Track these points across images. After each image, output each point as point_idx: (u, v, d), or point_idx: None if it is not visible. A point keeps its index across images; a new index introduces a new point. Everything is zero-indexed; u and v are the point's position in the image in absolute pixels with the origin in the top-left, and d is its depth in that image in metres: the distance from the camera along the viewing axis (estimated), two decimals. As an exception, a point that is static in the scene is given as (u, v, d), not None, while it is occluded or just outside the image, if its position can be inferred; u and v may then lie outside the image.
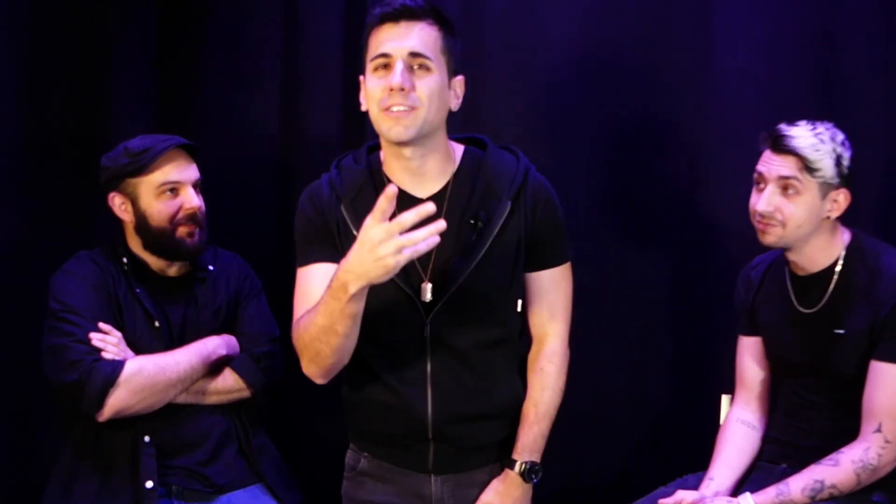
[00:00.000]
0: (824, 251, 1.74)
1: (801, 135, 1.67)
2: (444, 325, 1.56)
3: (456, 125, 1.68)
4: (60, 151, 2.26)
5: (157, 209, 1.86)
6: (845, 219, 1.77)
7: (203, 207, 1.91)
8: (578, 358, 1.92)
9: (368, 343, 1.55)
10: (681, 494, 1.73)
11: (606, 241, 2.20)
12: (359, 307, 1.43)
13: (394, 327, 1.57)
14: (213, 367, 1.87)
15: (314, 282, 1.56)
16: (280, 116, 2.34)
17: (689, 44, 2.20)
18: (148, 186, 1.85)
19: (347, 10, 2.29)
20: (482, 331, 1.60)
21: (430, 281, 1.54)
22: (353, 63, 2.23)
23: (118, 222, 1.92)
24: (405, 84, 1.48)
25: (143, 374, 1.77)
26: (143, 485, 1.76)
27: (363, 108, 1.57)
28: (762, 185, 1.71)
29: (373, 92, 1.52)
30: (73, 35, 2.26)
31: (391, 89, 1.49)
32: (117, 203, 1.88)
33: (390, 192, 1.35)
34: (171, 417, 1.83)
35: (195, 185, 1.90)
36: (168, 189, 1.86)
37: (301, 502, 1.94)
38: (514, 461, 1.63)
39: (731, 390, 1.95)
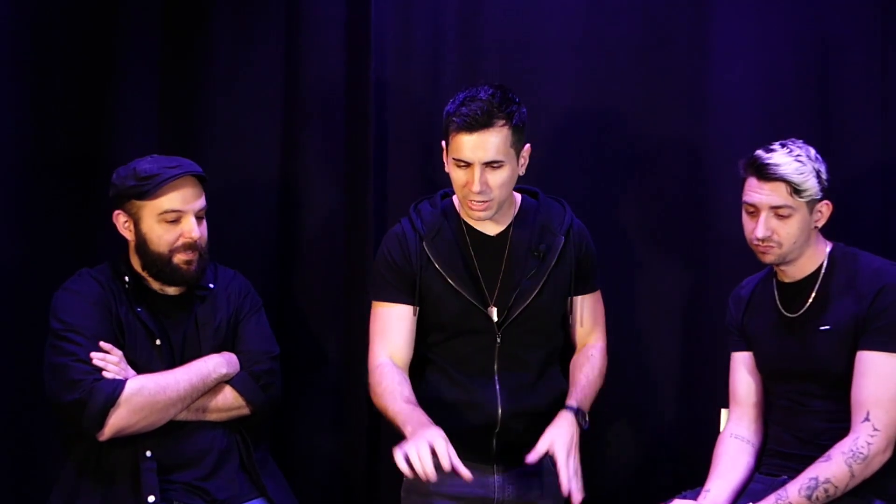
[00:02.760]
0: (811, 258, 1.83)
1: (783, 161, 1.76)
2: (511, 337, 1.89)
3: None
4: (63, 169, 2.27)
5: (157, 234, 1.87)
6: (840, 226, 1.83)
7: (205, 236, 1.92)
8: None
9: (448, 351, 1.91)
10: (677, 503, 1.75)
11: (606, 256, 2.19)
12: None
13: (469, 339, 1.90)
14: (214, 385, 1.89)
15: (391, 320, 1.92)
16: (282, 131, 2.35)
17: (687, 53, 2.21)
18: (151, 211, 1.86)
19: (350, 18, 2.30)
20: (541, 342, 1.93)
21: (494, 305, 1.89)
22: (356, 70, 2.28)
23: (123, 240, 1.94)
24: (483, 188, 1.81)
25: (144, 394, 1.79)
26: (146, 499, 1.77)
27: (447, 170, 1.88)
28: (754, 212, 1.79)
29: (456, 181, 1.86)
30: (76, 51, 2.28)
31: (471, 190, 1.82)
32: (121, 221, 1.91)
33: (466, 476, 1.68)
34: (172, 433, 1.85)
35: (199, 214, 1.91)
36: (170, 217, 1.87)
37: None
38: (568, 406, 1.84)
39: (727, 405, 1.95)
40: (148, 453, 1.81)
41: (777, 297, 1.86)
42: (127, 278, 1.91)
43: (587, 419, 1.86)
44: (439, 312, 1.89)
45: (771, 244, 1.77)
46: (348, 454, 2.28)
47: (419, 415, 1.75)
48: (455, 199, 1.94)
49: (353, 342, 2.19)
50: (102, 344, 1.81)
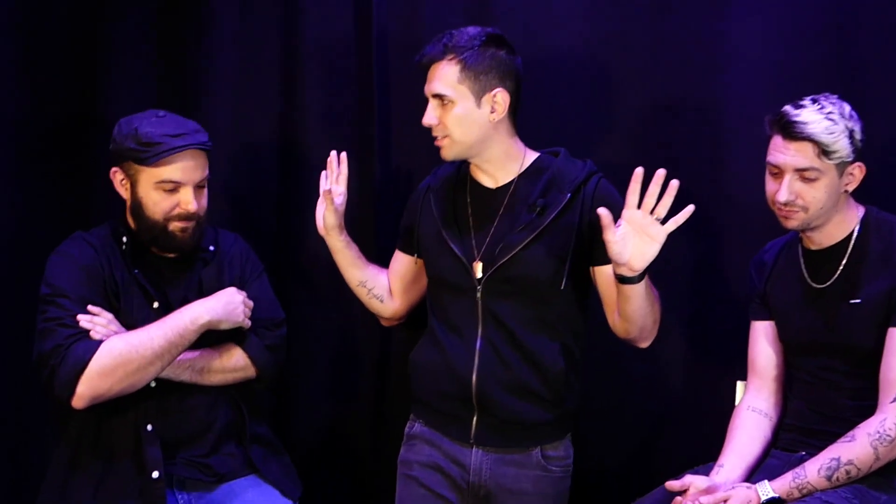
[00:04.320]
0: (841, 224, 1.71)
1: (813, 119, 1.62)
2: (493, 297, 1.75)
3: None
4: (59, 132, 2.22)
5: (154, 201, 1.79)
6: (864, 196, 1.72)
7: (204, 205, 1.84)
8: (591, 345, 1.90)
9: (437, 310, 1.83)
10: (690, 479, 1.67)
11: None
12: (338, 258, 1.96)
13: (454, 296, 1.79)
14: (204, 340, 1.79)
15: (394, 265, 1.98)
16: (282, 92, 2.28)
17: (703, 7, 2.09)
18: (148, 177, 1.78)
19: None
20: (530, 308, 1.75)
21: (480, 260, 1.77)
22: (361, 32, 2.20)
23: (121, 199, 1.86)
24: (433, 122, 1.78)
25: (114, 355, 1.68)
26: (150, 475, 1.71)
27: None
28: (777, 173, 1.67)
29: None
30: (70, 9, 2.22)
31: (424, 124, 1.79)
32: (118, 179, 1.83)
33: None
34: (172, 407, 1.78)
35: (200, 184, 1.82)
36: (168, 187, 1.78)
37: (301, 491, 1.89)
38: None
39: (746, 377, 1.87)
40: (149, 427, 1.74)
41: (803, 266, 1.74)
42: (125, 238, 1.83)
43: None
44: (429, 264, 1.86)
45: (794, 209, 1.66)
46: (349, 425, 2.22)
47: None
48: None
49: (355, 309, 2.11)
50: (90, 307, 1.74)
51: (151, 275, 1.84)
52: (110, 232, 1.85)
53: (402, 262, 1.94)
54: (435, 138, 1.79)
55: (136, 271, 1.81)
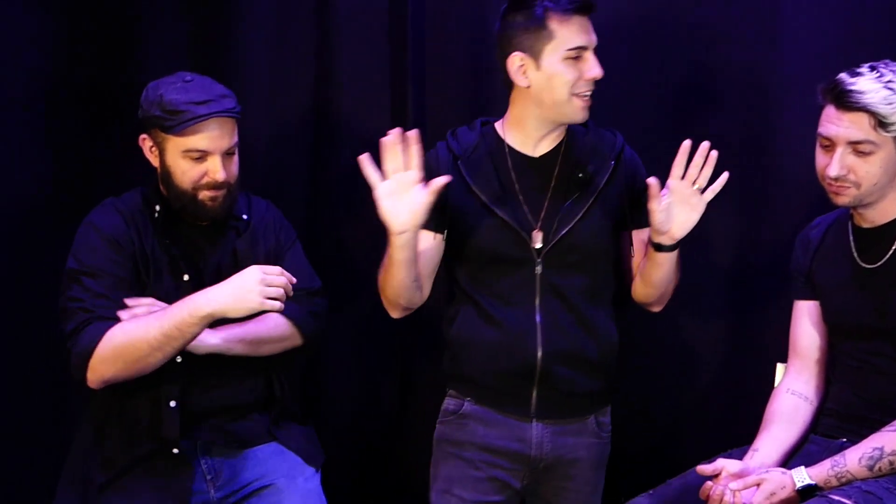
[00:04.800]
0: (895, 202, 1.61)
1: (870, 88, 1.52)
2: (553, 268, 1.71)
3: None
4: (90, 99, 2.20)
5: (182, 170, 1.74)
6: None
7: (234, 173, 1.78)
8: (626, 325, 1.84)
9: (481, 285, 1.74)
10: (722, 463, 1.61)
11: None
12: (405, 255, 1.64)
13: (506, 269, 1.72)
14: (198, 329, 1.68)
15: (419, 248, 1.73)
16: (315, 60, 2.23)
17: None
18: (175, 146, 1.73)
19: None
20: (586, 277, 1.74)
21: (540, 230, 1.71)
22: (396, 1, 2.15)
23: (153, 166, 1.82)
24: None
25: (113, 345, 1.65)
26: (171, 451, 1.71)
27: (522, 84, 1.71)
28: (829, 146, 1.58)
29: (568, 78, 1.69)
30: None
31: (594, 79, 1.70)
32: (147, 146, 1.80)
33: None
34: (199, 384, 1.75)
35: (229, 151, 1.76)
36: (195, 155, 1.73)
37: (324, 460, 1.87)
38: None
39: (786, 359, 1.80)
40: (172, 403, 1.72)
41: (852, 244, 1.65)
42: (157, 207, 1.79)
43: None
44: (473, 238, 1.72)
45: (846, 184, 1.56)
46: (377, 399, 2.21)
47: None
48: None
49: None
50: (127, 301, 1.69)
51: (184, 245, 1.80)
52: (142, 199, 1.81)
53: (428, 242, 1.74)
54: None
55: (168, 241, 1.78)
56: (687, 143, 1.60)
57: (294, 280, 1.68)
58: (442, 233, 1.75)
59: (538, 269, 1.71)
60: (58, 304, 1.74)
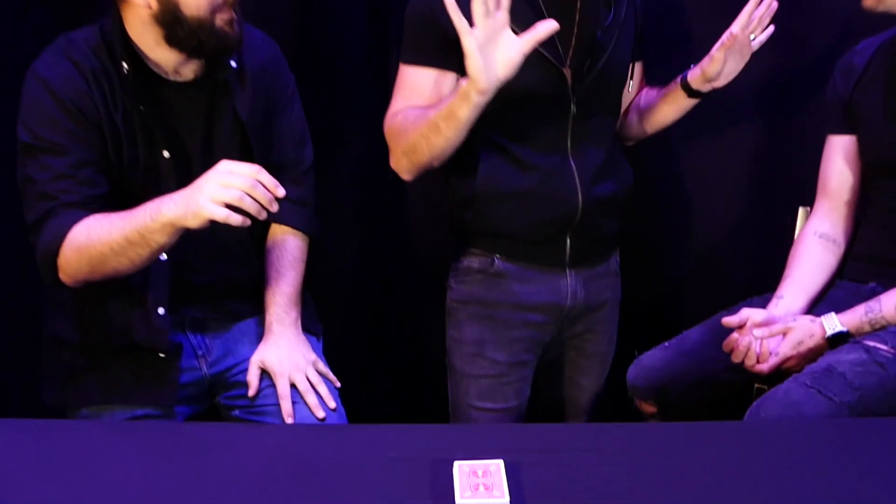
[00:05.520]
0: None
1: None
2: (584, 107, 1.56)
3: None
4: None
5: None
6: None
7: None
8: (643, 168, 1.71)
9: (510, 129, 1.55)
10: (747, 312, 1.53)
11: (682, 32, 1.84)
12: (475, 115, 1.40)
13: (540, 110, 1.54)
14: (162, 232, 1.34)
15: (425, 86, 1.51)
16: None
17: None
18: None
19: None
20: (611, 115, 1.65)
21: (569, 66, 1.53)
22: None
23: (114, 7, 1.43)
24: None
25: (78, 245, 1.37)
26: (155, 311, 1.49)
27: None
28: None
29: None
30: None
31: None
32: None
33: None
34: (188, 267, 1.53)
35: None
36: None
37: (322, 331, 1.75)
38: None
39: (809, 202, 1.69)
40: (161, 311, 1.48)
41: None
42: (125, 65, 1.41)
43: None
44: None
45: None
46: (379, 262, 2.06)
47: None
48: None
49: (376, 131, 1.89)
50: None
51: (161, 111, 1.45)
52: (104, 51, 1.42)
53: (442, 79, 1.50)
54: None
55: (142, 108, 1.45)
56: None
57: (282, 193, 1.29)
58: (451, 70, 1.50)
59: (572, 108, 1.54)
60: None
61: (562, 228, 1.60)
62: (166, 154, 1.45)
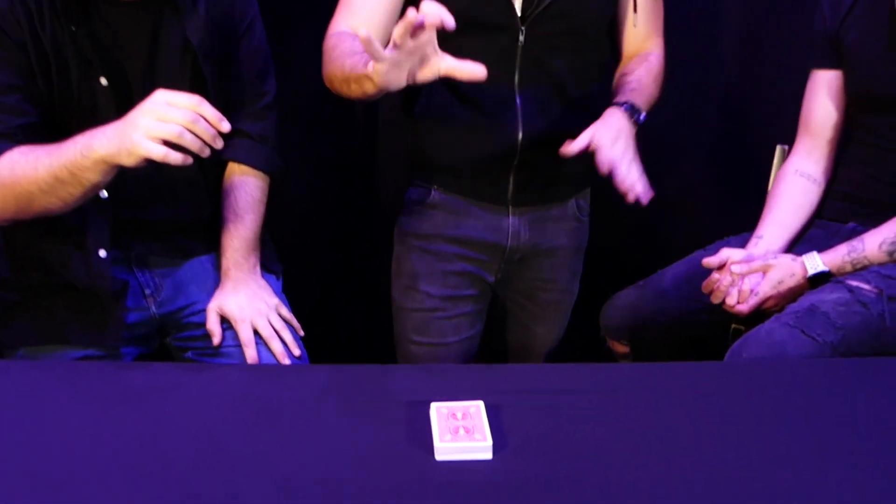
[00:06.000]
0: None
1: None
2: (538, 37, 1.43)
3: None
4: None
5: None
6: None
7: None
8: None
9: (453, 55, 1.35)
10: (727, 253, 1.49)
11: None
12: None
13: (483, 38, 1.41)
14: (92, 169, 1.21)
15: (373, 5, 1.40)
16: None
17: None
18: None
19: None
20: (576, 48, 1.47)
21: None
22: None
23: None
24: None
25: (1, 181, 1.23)
26: (96, 253, 1.36)
27: None
28: None
29: None
30: None
31: None
32: None
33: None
34: (133, 205, 1.40)
35: None
36: None
37: (281, 270, 1.65)
38: (616, 103, 1.46)
39: (786, 140, 1.65)
40: (102, 253, 1.36)
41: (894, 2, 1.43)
42: None
43: (640, 112, 1.47)
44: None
45: None
46: (336, 197, 1.96)
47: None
48: None
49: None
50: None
51: (97, 34, 1.29)
52: None
53: (388, 5, 1.41)
54: None
55: (75, 29, 1.29)
56: None
57: (227, 127, 1.15)
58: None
59: (520, 38, 1.43)
60: None
61: (502, 164, 1.50)
62: (104, 82, 1.30)
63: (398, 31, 1.12)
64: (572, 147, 1.35)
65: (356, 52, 1.28)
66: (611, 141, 1.35)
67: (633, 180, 1.34)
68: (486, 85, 1.34)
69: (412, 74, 1.18)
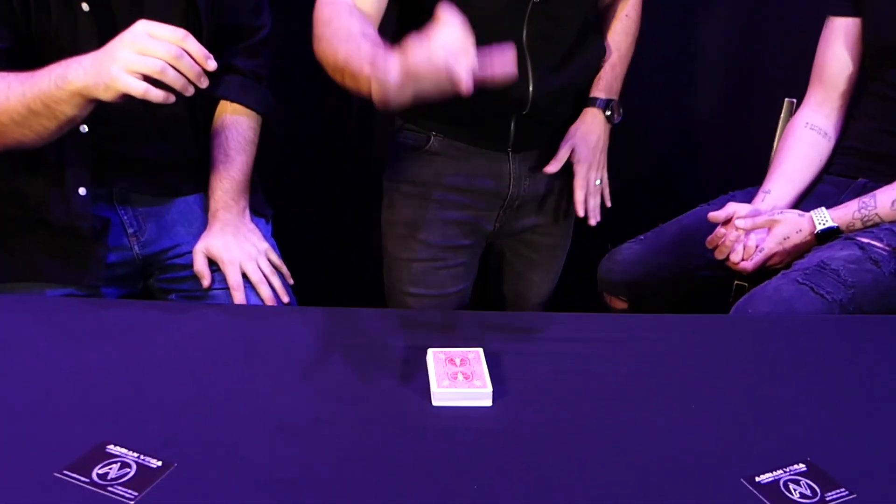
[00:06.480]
0: None
1: None
2: None
3: None
4: None
5: None
6: None
7: None
8: None
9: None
10: (733, 207, 1.43)
11: None
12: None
13: None
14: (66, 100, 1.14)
15: None
16: None
17: None
18: None
19: None
20: (580, 3, 1.42)
21: None
22: None
23: None
24: None
25: None
26: (75, 191, 1.29)
27: None
28: None
29: None
30: None
31: None
32: None
33: None
34: (117, 143, 1.33)
35: None
36: None
37: (271, 214, 1.58)
38: (596, 98, 1.54)
39: (796, 94, 1.59)
40: (82, 191, 1.29)
41: None
42: None
43: (621, 110, 1.52)
44: None
45: None
46: (329, 142, 1.89)
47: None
48: None
49: None
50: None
51: None
52: None
53: None
54: None
55: None
56: None
57: (213, 66, 1.07)
58: None
59: None
60: None
61: (506, 110, 1.45)
62: (85, 7, 1.22)
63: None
64: (554, 164, 1.47)
65: (353, 37, 1.10)
66: (587, 162, 1.49)
67: (591, 207, 1.50)
68: (496, 37, 1.27)
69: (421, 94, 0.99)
